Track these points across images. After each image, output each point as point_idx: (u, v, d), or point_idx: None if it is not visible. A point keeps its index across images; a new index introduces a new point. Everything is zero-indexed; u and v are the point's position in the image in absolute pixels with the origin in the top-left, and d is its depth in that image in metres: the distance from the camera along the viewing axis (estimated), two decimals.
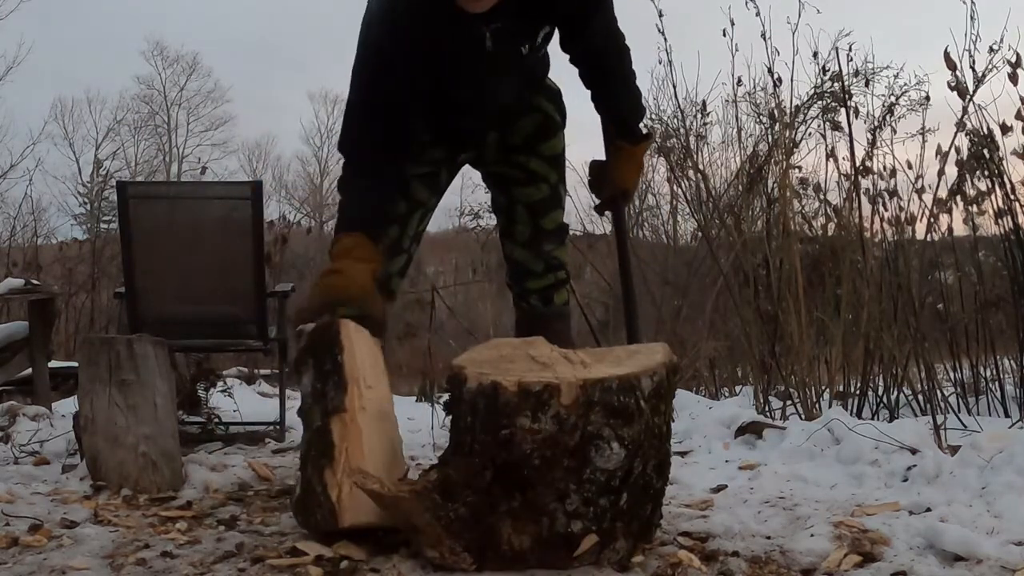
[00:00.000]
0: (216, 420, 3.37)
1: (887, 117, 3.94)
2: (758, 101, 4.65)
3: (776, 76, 3.99)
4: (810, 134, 4.30)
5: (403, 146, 1.94)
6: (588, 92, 2.14)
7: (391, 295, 2.14)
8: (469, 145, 2.18)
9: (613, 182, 2.20)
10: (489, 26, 1.84)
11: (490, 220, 6.05)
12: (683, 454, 2.70)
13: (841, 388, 3.66)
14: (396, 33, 1.83)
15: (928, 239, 3.89)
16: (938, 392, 3.46)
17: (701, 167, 5.03)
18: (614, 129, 2.18)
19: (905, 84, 4.14)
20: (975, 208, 3.76)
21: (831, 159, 3.99)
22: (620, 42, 2.07)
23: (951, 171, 3.68)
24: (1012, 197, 3.56)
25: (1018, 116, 3.53)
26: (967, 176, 3.72)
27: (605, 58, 2.06)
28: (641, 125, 2.21)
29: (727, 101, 5.14)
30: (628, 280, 2.24)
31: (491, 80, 1.96)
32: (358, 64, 1.89)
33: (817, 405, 3.43)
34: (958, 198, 3.76)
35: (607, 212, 2.33)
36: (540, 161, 2.15)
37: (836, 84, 4.00)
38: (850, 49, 4.02)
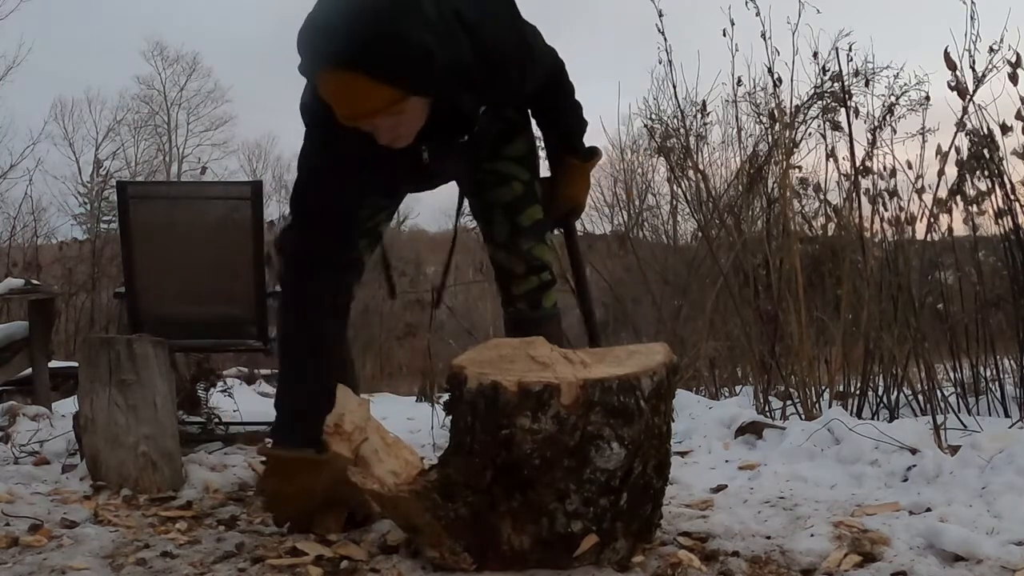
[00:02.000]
0: (216, 420, 3.37)
1: (887, 117, 3.93)
2: (758, 101, 4.65)
3: (776, 76, 3.97)
4: (810, 134, 4.29)
5: (349, 251, 1.98)
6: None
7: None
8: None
9: (565, 198, 2.23)
10: (422, 146, 1.87)
11: None
12: (683, 454, 2.70)
13: (841, 388, 3.65)
14: (335, 162, 1.87)
15: (928, 239, 3.87)
16: (938, 392, 3.45)
17: (701, 167, 5.02)
18: (563, 146, 2.20)
19: (905, 84, 4.14)
20: (975, 208, 3.75)
21: (831, 159, 3.97)
22: (555, 59, 2.05)
23: (951, 171, 3.67)
24: (1012, 197, 3.56)
25: (1018, 116, 3.52)
26: (967, 176, 3.71)
27: (546, 76, 2.04)
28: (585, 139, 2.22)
29: (727, 101, 5.14)
30: (585, 294, 2.35)
31: (438, 177, 2.14)
32: (299, 191, 1.94)
33: (817, 405, 3.43)
34: (958, 198, 3.75)
35: (559, 229, 2.34)
36: (507, 163, 2.16)
37: (836, 84, 3.99)
38: (850, 49, 4.02)
